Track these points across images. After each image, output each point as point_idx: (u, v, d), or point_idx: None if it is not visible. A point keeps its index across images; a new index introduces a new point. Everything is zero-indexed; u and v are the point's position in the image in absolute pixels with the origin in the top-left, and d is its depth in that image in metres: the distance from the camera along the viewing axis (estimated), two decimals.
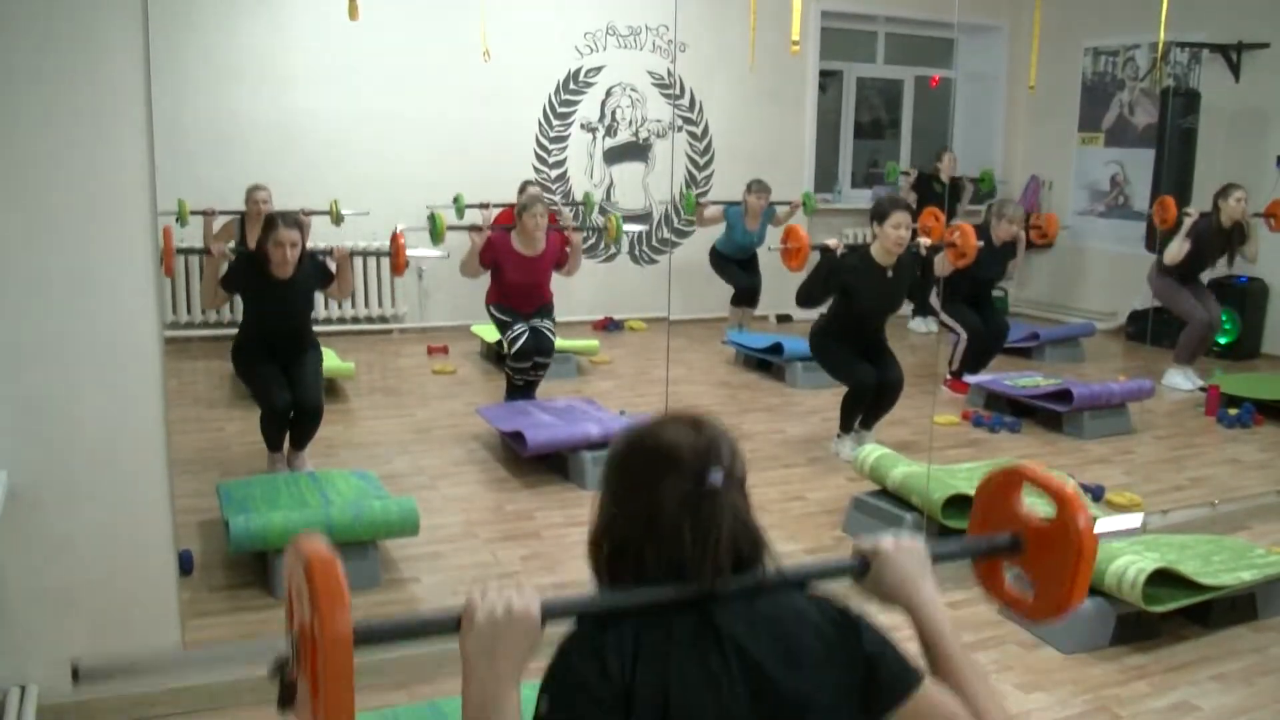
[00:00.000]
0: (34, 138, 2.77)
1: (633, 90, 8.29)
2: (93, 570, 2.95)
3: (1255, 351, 7.73)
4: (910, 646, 1.50)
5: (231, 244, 5.59)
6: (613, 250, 8.08)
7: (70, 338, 2.86)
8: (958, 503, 4.08)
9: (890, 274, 5.13)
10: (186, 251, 6.07)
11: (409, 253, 5.02)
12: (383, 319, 7.50)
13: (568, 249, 5.76)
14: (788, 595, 1.46)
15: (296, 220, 4.58)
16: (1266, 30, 7.40)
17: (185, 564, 3.49)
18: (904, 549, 1.57)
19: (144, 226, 2.88)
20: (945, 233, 5.83)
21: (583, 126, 8.17)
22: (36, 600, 2.91)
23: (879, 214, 5.11)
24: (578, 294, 7.25)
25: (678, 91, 8.39)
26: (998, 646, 3.47)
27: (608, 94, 8.23)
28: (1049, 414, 5.87)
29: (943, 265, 5.61)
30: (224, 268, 4.65)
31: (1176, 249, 6.60)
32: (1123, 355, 7.93)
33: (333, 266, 4.77)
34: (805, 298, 5.24)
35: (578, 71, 8.11)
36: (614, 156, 8.31)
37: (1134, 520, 1.82)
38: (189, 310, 6.73)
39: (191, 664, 1.53)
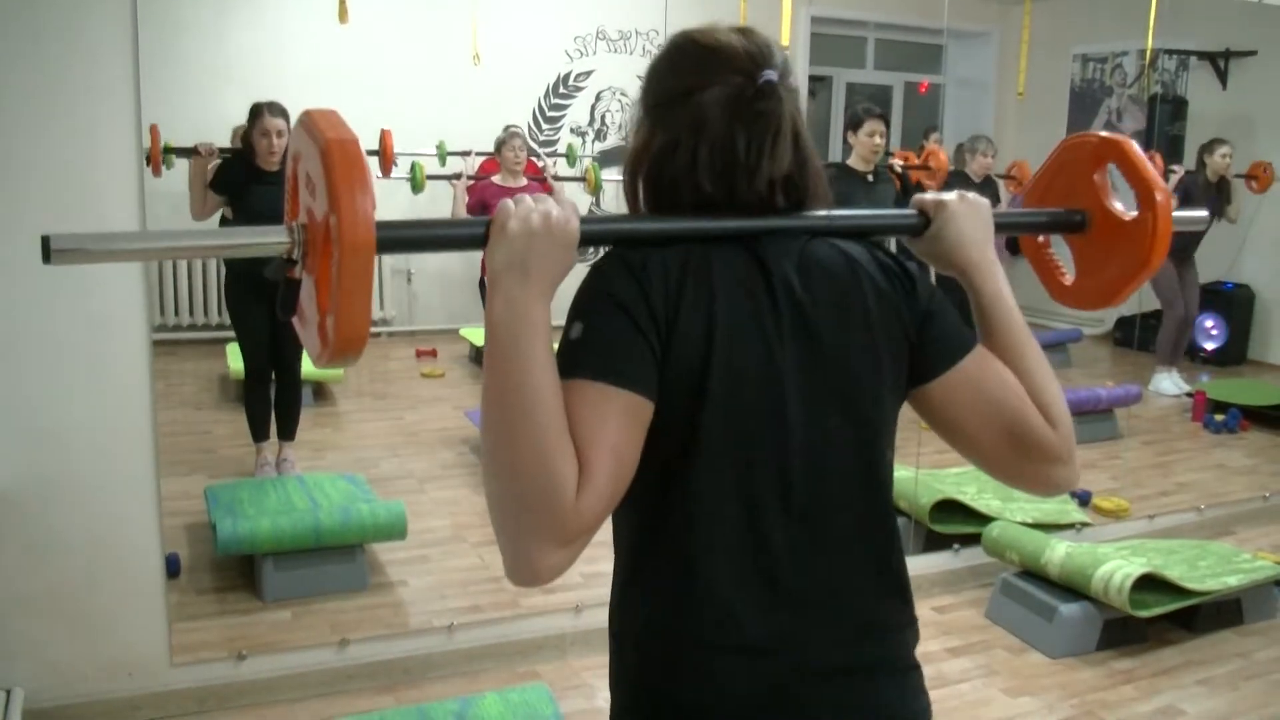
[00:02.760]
0: (22, 137, 2.76)
1: (623, 95, 8.29)
2: (79, 573, 2.94)
3: (1241, 357, 7.75)
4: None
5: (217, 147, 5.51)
6: (601, 253, 8.09)
7: (58, 339, 2.85)
8: (945, 507, 4.10)
9: (871, 179, 5.15)
10: (175, 151, 5.86)
11: (396, 152, 4.92)
12: (371, 322, 7.48)
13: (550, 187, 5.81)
14: (842, 240, 1.32)
15: (282, 109, 4.53)
16: (1254, 38, 7.43)
17: (172, 567, 3.48)
18: (970, 205, 1.40)
19: (132, 228, 2.88)
20: (922, 157, 5.82)
21: (572, 130, 8.16)
22: (22, 603, 2.89)
23: (854, 123, 5.14)
24: (567, 297, 7.24)
25: None
26: (984, 651, 3.48)
27: (597, 98, 8.23)
28: None
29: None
30: (210, 179, 4.59)
31: None
32: (1110, 361, 7.95)
33: None
34: None
35: (567, 75, 8.10)
36: (604, 161, 8.30)
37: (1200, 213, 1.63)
38: (177, 312, 6.70)
39: (174, 240, 1.40)
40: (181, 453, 4.83)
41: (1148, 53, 7.17)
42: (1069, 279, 1.63)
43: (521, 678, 3.29)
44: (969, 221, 1.38)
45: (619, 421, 1.13)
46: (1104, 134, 1.57)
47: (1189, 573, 3.68)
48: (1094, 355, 8.00)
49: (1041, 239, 1.69)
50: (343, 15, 5.14)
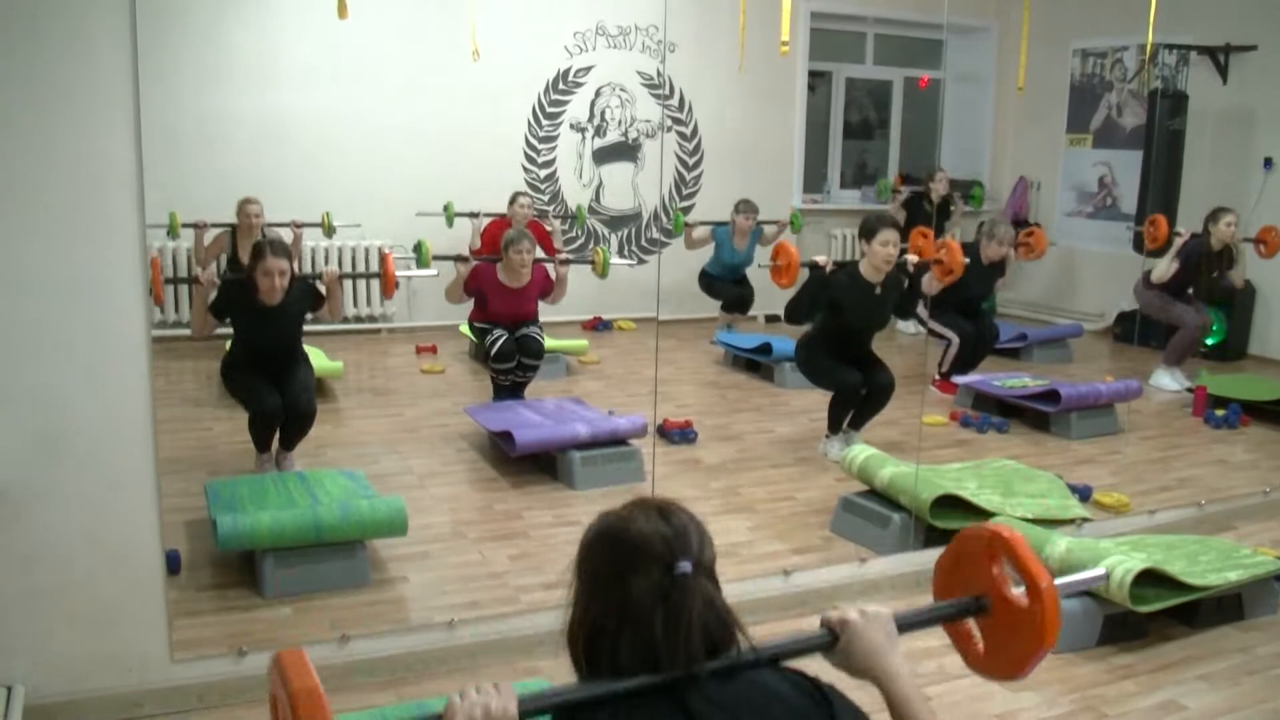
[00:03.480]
0: (21, 136, 2.75)
1: (622, 90, 8.29)
2: (79, 570, 2.94)
3: (1242, 353, 7.77)
4: None
5: (221, 258, 5.65)
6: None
7: (58, 337, 2.84)
8: (946, 503, 4.10)
9: (878, 291, 5.15)
10: (175, 280, 6.20)
11: (398, 273, 5.02)
12: (371, 319, 7.48)
13: (552, 278, 5.80)
14: (760, 673, 1.48)
15: (285, 249, 4.56)
16: (1254, 32, 7.43)
17: (172, 564, 3.48)
18: (871, 620, 1.58)
19: (132, 225, 2.87)
20: (934, 248, 5.82)
21: (572, 126, 8.16)
22: (22, 600, 2.89)
23: (867, 232, 5.11)
24: (567, 294, 7.24)
25: (667, 91, 8.39)
26: None
27: (597, 94, 8.23)
28: (1037, 414, 5.89)
29: (930, 284, 5.61)
30: (213, 294, 4.61)
31: (1164, 268, 6.65)
32: (1110, 356, 7.95)
33: (322, 289, 4.77)
34: (793, 313, 5.24)
35: (567, 71, 8.10)
36: (603, 156, 8.30)
37: (1096, 574, 1.95)
38: (177, 310, 6.70)
39: None
40: (181, 450, 4.84)
41: (1148, 47, 7.15)
42: (980, 649, 1.75)
43: (522, 673, 3.29)
44: (872, 635, 1.56)
45: None
46: (996, 529, 1.72)
47: (1189, 568, 3.68)
48: (1095, 350, 8.01)
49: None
50: (342, 10, 5.13)
